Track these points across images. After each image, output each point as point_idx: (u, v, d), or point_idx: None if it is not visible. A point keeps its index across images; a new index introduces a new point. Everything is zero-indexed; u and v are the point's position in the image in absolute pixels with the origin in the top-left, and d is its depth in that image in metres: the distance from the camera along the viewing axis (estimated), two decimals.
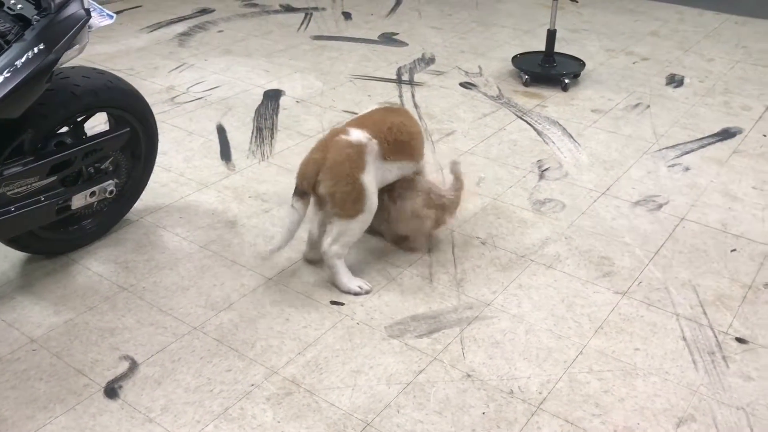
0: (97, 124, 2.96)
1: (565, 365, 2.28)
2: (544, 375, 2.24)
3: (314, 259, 2.70)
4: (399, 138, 2.61)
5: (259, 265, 2.72)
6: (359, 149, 2.49)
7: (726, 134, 3.86)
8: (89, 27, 2.43)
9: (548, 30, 4.45)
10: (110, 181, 2.70)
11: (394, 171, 2.65)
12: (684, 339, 2.40)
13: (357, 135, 2.52)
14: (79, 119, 2.61)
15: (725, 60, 4.87)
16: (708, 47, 5.08)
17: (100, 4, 2.63)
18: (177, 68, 4.54)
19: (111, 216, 2.85)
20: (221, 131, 3.76)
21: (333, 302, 2.54)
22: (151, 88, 4.22)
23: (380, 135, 2.57)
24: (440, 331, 2.41)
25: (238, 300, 2.54)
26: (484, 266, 2.75)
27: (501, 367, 2.27)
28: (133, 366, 2.25)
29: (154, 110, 2.96)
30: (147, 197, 3.06)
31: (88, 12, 2.40)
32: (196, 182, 3.27)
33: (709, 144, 3.75)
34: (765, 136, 3.84)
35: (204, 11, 5.63)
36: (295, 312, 2.49)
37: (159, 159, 3.22)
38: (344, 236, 2.52)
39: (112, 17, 2.57)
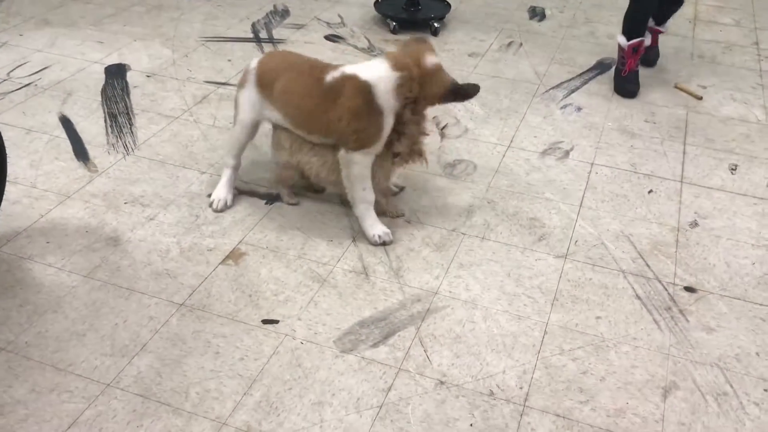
0: None
1: (534, 350, 2.12)
2: (518, 365, 2.07)
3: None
4: None
5: (163, 290, 2.29)
6: None
7: (602, 66, 3.84)
8: None
9: None
10: None
11: None
12: (638, 298, 2.32)
13: None
14: None
15: None
16: None
17: None
18: None
19: None
20: (67, 124, 3.17)
21: (265, 321, 2.20)
22: None
23: None
24: (395, 334, 2.16)
25: (151, 338, 2.12)
26: (417, 248, 2.51)
27: (472, 366, 2.06)
28: None
29: None
30: None
31: None
32: (55, 193, 2.72)
33: (591, 79, 3.72)
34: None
35: None
36: (224, 342, 2.12)
37: None
38: None
39: None
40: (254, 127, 2.60)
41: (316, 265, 2.41)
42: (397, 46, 2.49)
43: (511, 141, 3.15)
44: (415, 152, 2.50)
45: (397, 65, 2.33)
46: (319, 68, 2.43)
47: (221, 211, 2.64)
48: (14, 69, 3.59)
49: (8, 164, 2.81)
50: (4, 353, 2.06)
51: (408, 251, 2.49)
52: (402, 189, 2.64)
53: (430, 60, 2.39)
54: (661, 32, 3.80)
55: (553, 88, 3.61)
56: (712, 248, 2.55)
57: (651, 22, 3.67)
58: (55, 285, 2.29)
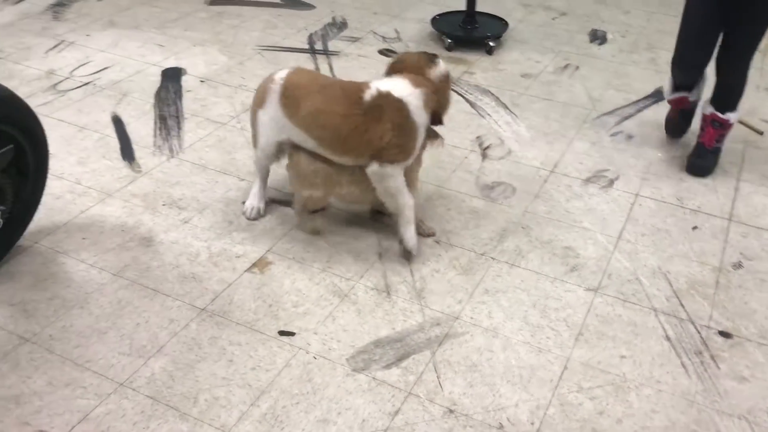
0: None
1: (552, 385, 2.06)
2: (533, 400, 2.01)
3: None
4: None
5: (188, 293, 2.33)
6: None
7: (660, 95, 3.71)
8: None
9: None
10: None
11: None
12: (668, 339, 2.23)
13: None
14: None
15: (642, 12, 4.74)
16: None
17: None
18: (55, 47, 3.93)
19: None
20: (118, 123, 3.27)
21: (282, 332, 2.20)
22: (26, 74, 3.63)
23: None
24: (410, 357, 2.13)
25: (169, 341, 2.15)
26: (443, 270, 2.47)
27: (484, 396, 2.02)
28: None
29: (33, 102, 2.50)
30: (40, 215, 2.57)
31: None
32: (97, 191, 2.80)
33: (646, 107, 3.60)
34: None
35: None
36: (238, 350, 2.13)
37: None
38: None
39: None
40: (279, 150, 2.56)
41: (339, 279, 2.41)
42: (399, 58, 2.52)
43: (555, 166, 3.08)
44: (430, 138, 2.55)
45: (416, 82, 2.38)
46: (352, 89, 2.39)
47: (254, 219, 2.67)
48: (77, 68, 3.73)
49: (57, 160, 2.92)
50: (29, 344, 2.12)
51: (433, 272, 2.46)
52: (433, 234, 2.63)
53: (438, 71, 2.48)
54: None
55: (605, 114, 3.51)
56: (754, 292, 2.42)
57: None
58: (85, 281, 2.35)
